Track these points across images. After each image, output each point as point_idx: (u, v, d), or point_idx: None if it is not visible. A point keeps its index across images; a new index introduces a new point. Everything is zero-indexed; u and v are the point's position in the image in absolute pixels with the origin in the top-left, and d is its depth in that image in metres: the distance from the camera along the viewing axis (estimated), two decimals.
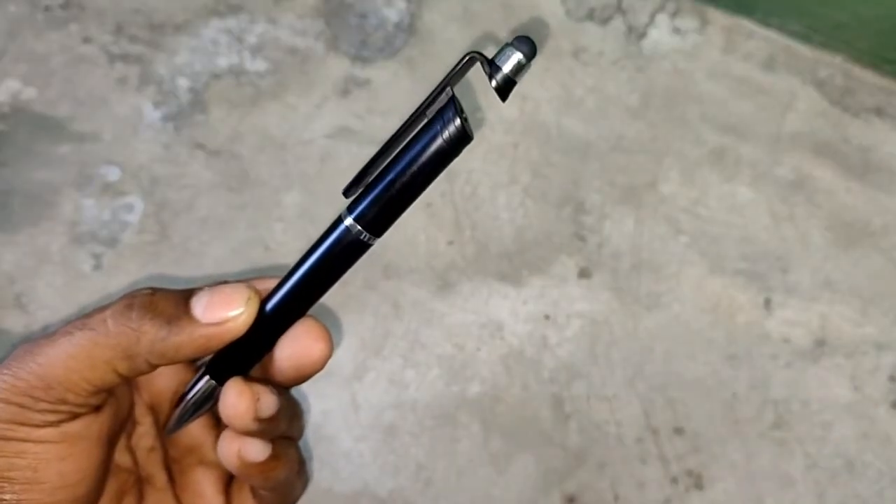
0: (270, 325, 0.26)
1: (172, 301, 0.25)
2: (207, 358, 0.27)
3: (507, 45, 0.23)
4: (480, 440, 0.50)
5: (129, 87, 0.56)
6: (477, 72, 0.24)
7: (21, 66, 0.56)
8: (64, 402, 0.24)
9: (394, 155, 0.24)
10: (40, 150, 0.54)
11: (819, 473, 0.50)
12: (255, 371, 0.28)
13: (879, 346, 0.52)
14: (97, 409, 0.25)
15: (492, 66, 0.23)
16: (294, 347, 0.26)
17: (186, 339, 0.24)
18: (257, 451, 0.26)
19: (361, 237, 0.24)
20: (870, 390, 0.52)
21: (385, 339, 0.51)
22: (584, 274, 0.53)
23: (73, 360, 0.24)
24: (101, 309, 0.25)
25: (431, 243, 0.54)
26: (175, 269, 0.52)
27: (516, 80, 0.23)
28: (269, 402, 0.25)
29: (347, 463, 0.49)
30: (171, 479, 0.30)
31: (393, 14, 0.60)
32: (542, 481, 0.49)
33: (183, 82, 0.57)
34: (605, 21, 0.61)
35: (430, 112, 0.23)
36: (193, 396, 0.27)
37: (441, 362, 0.51)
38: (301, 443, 0.30)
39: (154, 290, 0.25)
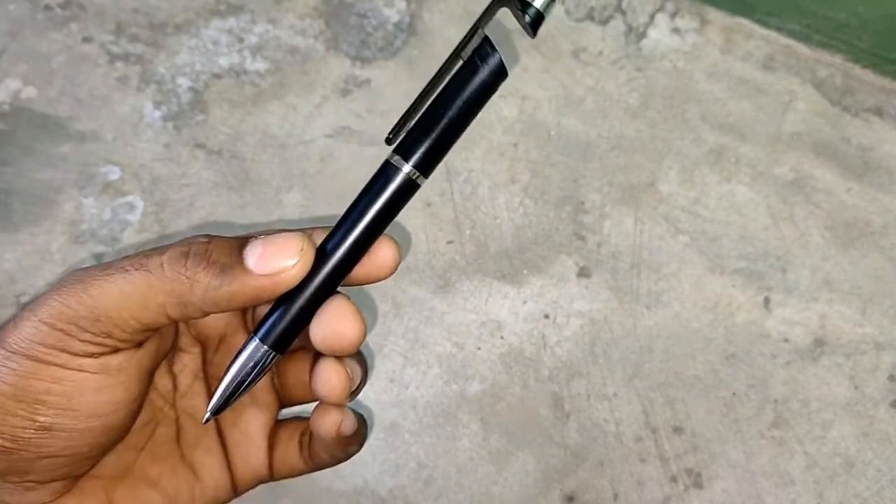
0: (325, 276, 0.25)
1: (227, 250, 0.24)
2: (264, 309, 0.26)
3: None
4: (480, 439, 0.50)
5: (129, 86, 0.56)
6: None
7: (21, 65, 0.56)
8: (109, 335, 0.23)
9: (435, 96, 0.24)
10: (41, 150, 0.54)
11: (818, 472, 0.50)
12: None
13: (879, 345, 0.53)
14: (139, 345, 0.25)
15: (522, 3, 0.24)
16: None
17: (238, 289, 0.24)
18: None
19: (413, 177, 0.24)
20: (869, 389, 0.52)
21: (385, 337, 0.52)
22: (583, 273, 0.54)
23: (127, 299, 0.23)
24: (160, 251, 0.24)
25: (431, 242, 0.54)
26: None
27: (545, 14, 0.24)
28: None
29: (347, 461, 0.49)
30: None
31: (393, 14, 0.60)
32: (542, 480, 0.49)
33: (183, 82, 0.57)
34: (604, 21, 0.61)
35: (465, 54, 0.24)
36: (245, 369, 0.25)
37: (441, 361, 0.51)
38: None
39: (210, 238, 0.25)
